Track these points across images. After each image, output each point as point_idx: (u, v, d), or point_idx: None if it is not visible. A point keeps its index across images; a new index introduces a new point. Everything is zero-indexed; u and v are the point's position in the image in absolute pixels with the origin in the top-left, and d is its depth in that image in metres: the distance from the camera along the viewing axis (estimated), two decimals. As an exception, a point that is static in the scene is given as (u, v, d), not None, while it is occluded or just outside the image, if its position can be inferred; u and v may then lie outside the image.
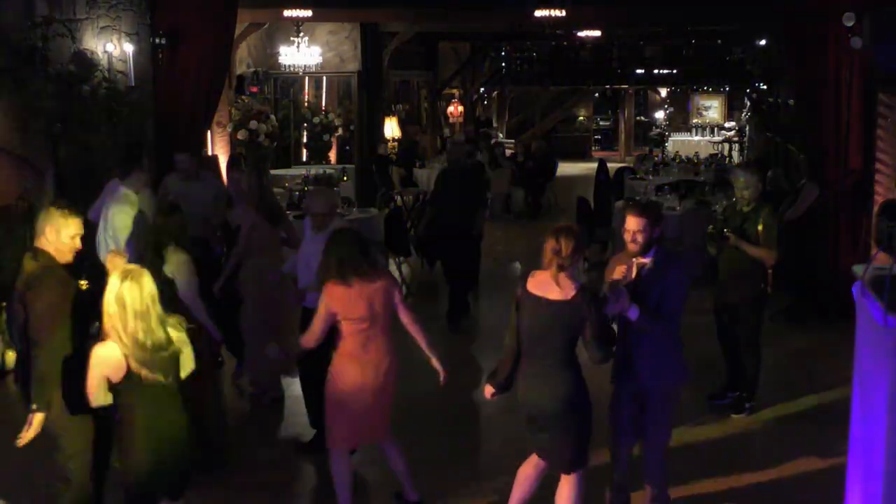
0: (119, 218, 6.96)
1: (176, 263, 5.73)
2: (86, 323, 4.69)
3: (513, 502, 5.03)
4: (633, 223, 4.97)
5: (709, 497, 5.66)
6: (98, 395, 4.20)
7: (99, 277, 5.94)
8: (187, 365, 4.40)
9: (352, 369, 5.13)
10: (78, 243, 4.77)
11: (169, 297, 5.52)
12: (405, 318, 5.26)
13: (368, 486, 5.80)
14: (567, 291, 4.58)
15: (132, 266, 4.36)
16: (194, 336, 4.67)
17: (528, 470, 4.99)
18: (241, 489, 5.85)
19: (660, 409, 5.03)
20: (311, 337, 5.22)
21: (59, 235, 4.70)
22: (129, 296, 4.11)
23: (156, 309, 4.20)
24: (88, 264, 6.80)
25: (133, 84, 9.90)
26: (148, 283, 4.20)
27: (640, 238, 4.97)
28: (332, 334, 5.27)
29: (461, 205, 9.21)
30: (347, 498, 5.27)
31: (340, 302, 5.07)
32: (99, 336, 4.23)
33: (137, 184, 7.16)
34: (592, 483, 5.16)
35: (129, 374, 4.14)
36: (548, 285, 4.63)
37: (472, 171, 10.47)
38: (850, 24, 8.60)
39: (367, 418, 5.20)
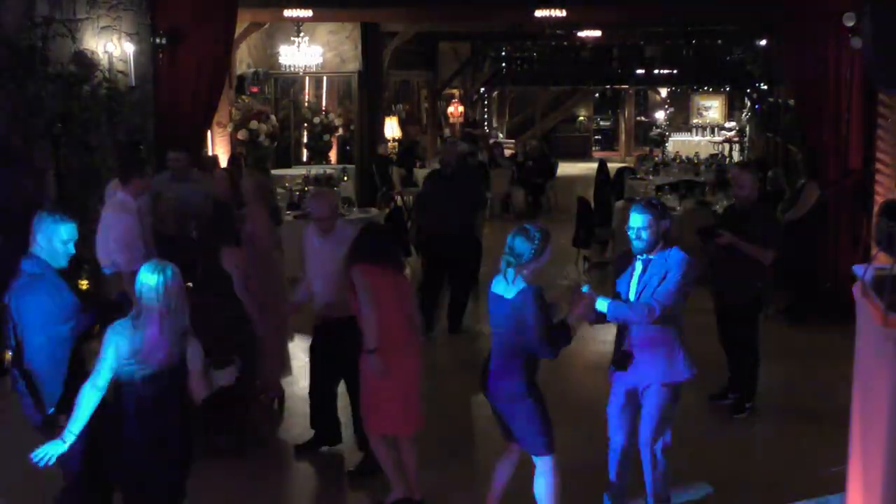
0: (116, 224, 6.96)
1: (231, 257, 6.11)
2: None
3: (491, 495, 5.14)
4: (637, 220, 4.96)
5: (709, 498, 5.66)
6: (104, 377, 4.17)
7: (98, 280, 5.95)
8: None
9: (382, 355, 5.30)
10: (71, 249, 4.70)
11: (227, 291, 6.00)
12: (410, 310, 5.52)
13: (369, 485, 5.80)
14: (512, 290, 4.70)
15: (161, 261, 4.41)
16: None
17: (502, 461, 5.13)
18: (241, 490, 5.85)
19: (657, 408, 5.01)
20: (376, 320, 5.28)
21: (51, 241, 4.63)
22: (172, 285, 4.16)
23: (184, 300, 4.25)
24: (89, 267, 6.83)
25: (133, 84, 9.91)
26: (179, 274, 4.25)
27: (645, 235, 4.96)
28: (347, 332, 5.46)
29: (458, 207, 9.07)
30: (391, 467, 5.51)
31: (374, 284, 5.26)
32: (99, 336, 4.24)
33: (137, 190, 7.14)
34: (591, 486, 5.17)
35: (132, 357, 4.14)
36: (502, 283, 4.78)
37: (468, 172, 10.40)
38: (851, 24, 8.60)
39: (383, 407, 5.37)
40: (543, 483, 4.91)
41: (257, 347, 6.38)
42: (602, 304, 4.88)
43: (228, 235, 6.35)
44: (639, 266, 5.02)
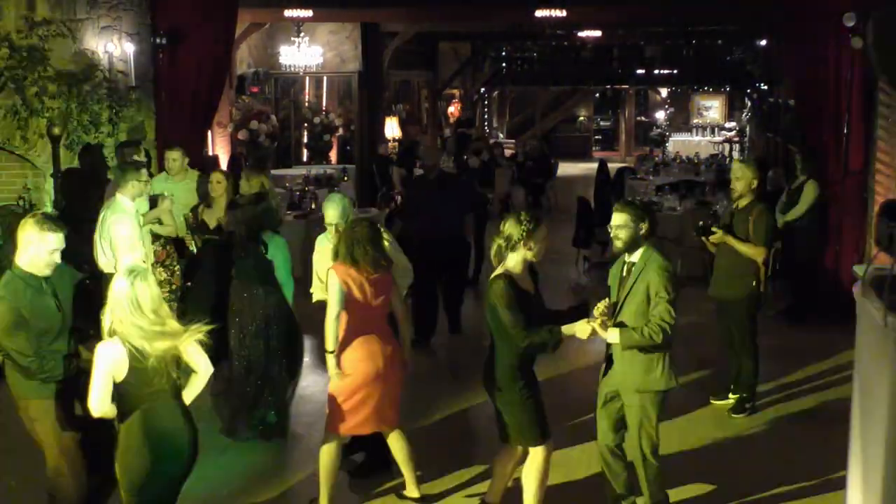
0: (115, 227, 6.96)
1: (275, 246, 6.36)
2: (84, 326, 4.67)
3: (492, 490, 5.18)
4: (615, 219, 4.97)
5: (709, 498, 5.65)
6: (104, 399, 4.15)
7: (98, 283, 5.95)
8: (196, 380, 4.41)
9: (354, 355, 5.25)
10: (56, 258, 4.55)
11: (266, 278, 6.26)
12: (397, 309, 5.48)
13: (370, 485, 5.80)
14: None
15: (137, 265, 4.35)
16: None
17: (500, 458, 5.16)
18: (241, 489, 5.84)
19: (636, 414, 4.97)
20: (335, 321, 5.24)
21: (35, 250, 4.49)
22: (141, 294, 4.08)
23: (164, 307, 4.20)
24: (89, 267, 6.84)
25: (134, 84, 9.92)
26: (154, 282, 4.19)
27: (621, 234, 4.94)
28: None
29: (457, 209, 8.95)
30: (331, 473, 5.35)
31: (348, 284, 5.20)
32: (98, 338, 4.22)
33: (134, 192, 7.15)
34: (590, 486, 5.16)
35: (132, 374, 4.12)
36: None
37: (460, 174, 10.30)
38: (851, 24, 8.60)
39: (369, 406, 5.29)
40: (529, 472, 4.96)
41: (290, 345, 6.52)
42: (613, 336, 4.84)
43: (273, 223, 6.60)
44: (624, 269, 5.02)
